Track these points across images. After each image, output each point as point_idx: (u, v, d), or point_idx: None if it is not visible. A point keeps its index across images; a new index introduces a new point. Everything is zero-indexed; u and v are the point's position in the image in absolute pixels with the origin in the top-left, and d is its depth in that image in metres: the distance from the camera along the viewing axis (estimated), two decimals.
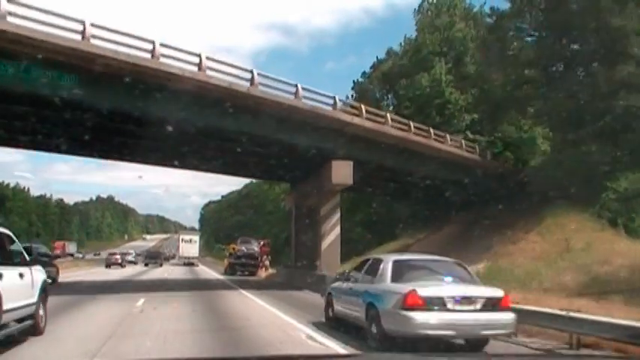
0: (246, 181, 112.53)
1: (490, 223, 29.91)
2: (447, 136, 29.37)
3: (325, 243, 23.67)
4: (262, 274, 37.41)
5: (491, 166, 32.33)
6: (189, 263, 54.44)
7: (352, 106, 23.60)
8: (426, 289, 7.67)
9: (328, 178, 22.62)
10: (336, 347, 8.31)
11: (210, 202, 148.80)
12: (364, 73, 52.07)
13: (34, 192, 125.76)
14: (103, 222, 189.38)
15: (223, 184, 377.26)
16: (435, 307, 7.52)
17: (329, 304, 10.67)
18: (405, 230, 40.75)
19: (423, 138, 26.76)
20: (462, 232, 32.27)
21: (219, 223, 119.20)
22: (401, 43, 49.47)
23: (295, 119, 20.60)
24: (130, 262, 51.52)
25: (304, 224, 28.30)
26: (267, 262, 38.71)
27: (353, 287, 9.40)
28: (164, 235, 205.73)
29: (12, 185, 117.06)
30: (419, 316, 7.41)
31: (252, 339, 9.32)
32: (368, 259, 9.80)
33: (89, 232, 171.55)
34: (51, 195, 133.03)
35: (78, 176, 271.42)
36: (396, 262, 8.60)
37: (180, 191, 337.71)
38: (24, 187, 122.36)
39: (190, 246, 57.40)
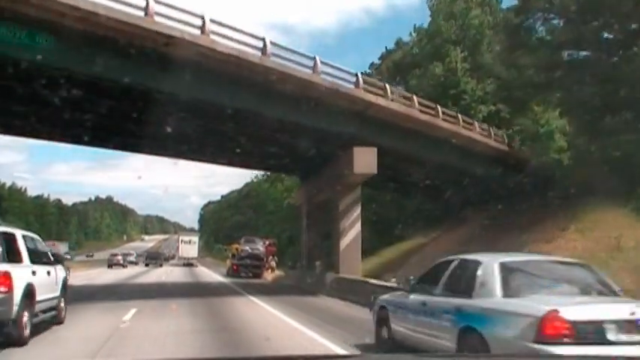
0: (246, 179, 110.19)
1: (514, 221, 27.23)
2: (476, 123, 26.50)
3: (344, 242, 20.78)
4: (268, 276, 34.52)
5: (519, 158, 29.44)
6: (188, 264, 54.14)
7: (375, 85, 20.65)
8: (575, 310, 4.78)
9: (349, 168, 19.73)
10: None
11: (209, 203, 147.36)
12: (372, 64, 49.29)
13: (34, 193, 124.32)
14: (102, 222, 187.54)
15: (223, 184, 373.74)
16: (591, 338, 4.64)
17: (383, 323, 7.78)
18: (416, 229, 37.94)
19: (452, 124, 23.88)
20: (481, 231, 29.45)
21: (218, 224, 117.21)
22: (411, 33, 46.67)
23: (312, 97, 17.67)
24: (131, 262, 51.97)
25: (317, 221, 25.40)
26: (273, 264, 35.81)
27: (429, 302, 6.49)
28: (163, 236, 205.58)
29: (8, 185, 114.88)
30: (567, 352, 4.50)
31: None
32: (449, 261, 6.89)
33: (87, 232, 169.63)
34: (48, 195, 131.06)
35: (77, 177, 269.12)
36: (504, 266, 5.66)
37: (180, 192, 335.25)
38: (21, 187, 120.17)
39: (190, 247, 57.71)
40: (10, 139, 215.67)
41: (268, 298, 18.20)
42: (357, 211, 20.95)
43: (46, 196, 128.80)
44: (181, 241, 60.07)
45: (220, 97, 16.24)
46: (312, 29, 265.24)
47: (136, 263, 53.20)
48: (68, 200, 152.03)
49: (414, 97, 22.16)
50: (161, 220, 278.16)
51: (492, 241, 26.82)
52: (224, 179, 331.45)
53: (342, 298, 18.11)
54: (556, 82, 27.62)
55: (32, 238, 9.43)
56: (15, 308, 7.58)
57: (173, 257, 70.04)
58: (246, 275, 33.95)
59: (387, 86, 20.53)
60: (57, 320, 9.93)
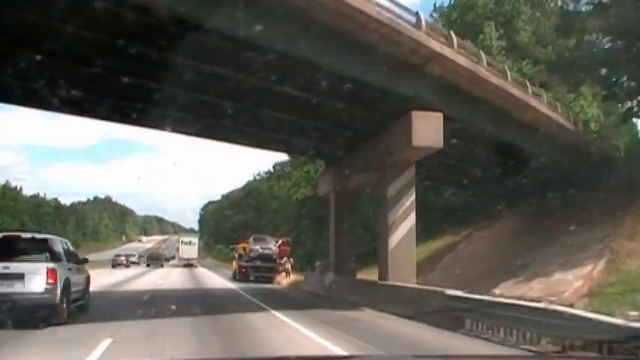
0: (249, 178, 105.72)
1: (571, 214, 22.54)
2: (544, 94, 21.56)
3: (393, 239, 15.81)
4: (283, 280, 29.56)
5: (582, 140, 24.57)
6: (188, 264, 54.26)
7: (437, 31, 15.58)
8: None
9: (404, 139, 14.81)
10: None
11: (209, 203, 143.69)
12: None
13: (33, 193, 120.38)
14: (100, 223, 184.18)
15: (223, 185, 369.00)
16: None
17: None
18: (447, 225, 33.05)
19: (523, 92, 18.97)
20: (528, 226, 24.63)
21: (219, 224, 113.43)
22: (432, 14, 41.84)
23: (355, 38, 12.67)
24: (134, 262, 53.72)
25: (350, 213, 20.49)
26: (288, 266, 30.78)
27: None
28: (162, 237, 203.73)
29: (2, 184, 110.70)
30: None
31: None
32: None
33: (85, 232, 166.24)
34: (44, 194, 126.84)
35: (76, 178, 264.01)
36: None
37: (179, 192, 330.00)
38: (16, 186, 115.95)
39: (190, 248, 58.10)
40: (9, 139, 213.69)
41: (300, 314, 13.35)
42: (411, 197, 15.96)
43: (42, 195, 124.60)
44: (182, 242, 60.23)
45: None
46: None
47: (138, 263, 54.37)
48: (67, 200, 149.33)
49: (482, 53, 17.22)
50: (160, 221, 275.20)
51: (549, 239, 22.15)
52: (224, 180, 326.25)
53: (394, 312, 13.29)
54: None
55: (66, 242, 11.72)
56: (58, 296, 9.72)
57: (173, 257, 70.53)
58: (257, 279, 29.03)
59: (453, 35, 15.50)
60: (84, 309, 11.93)
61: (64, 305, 10.03)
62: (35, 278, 9.45)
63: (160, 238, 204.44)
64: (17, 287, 9.33)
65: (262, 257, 29.69)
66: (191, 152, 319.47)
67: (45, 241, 10.30)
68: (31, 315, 9.24)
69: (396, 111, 15.30)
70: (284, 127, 17.77)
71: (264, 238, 32.01)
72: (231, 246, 40.97)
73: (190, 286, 26.36)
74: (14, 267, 9.48)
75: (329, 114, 16.25)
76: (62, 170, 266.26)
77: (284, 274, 30.40)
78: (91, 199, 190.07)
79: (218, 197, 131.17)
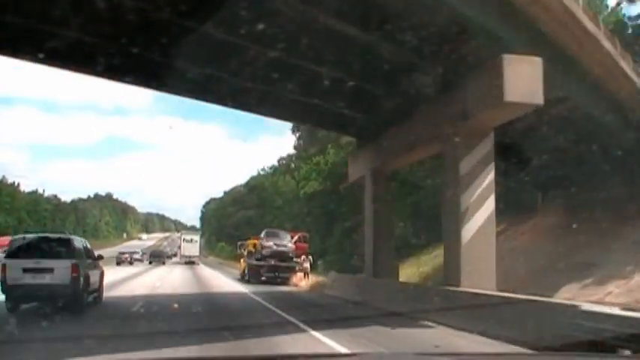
0: (252, 174, 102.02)
1: (625, 207, 19.05)
2: (630, 57, 17.45)
3: (467, 231, 11.77)
4: (301, 282, 25.51)
5: None
6: (190, 262, 55.00)
7: None
8: None
9: (489, 95, 10.81)
10: None
11: (211, 200, 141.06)
12: None
13: (32, 190, 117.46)
14: (101, 220, 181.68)
15: (225, 183, 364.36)
16: None
17: None
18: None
19: (612, 47, 14.90)
20: (571, 220, 20.76)
21: (221, 221, 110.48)
22: None
23: None
24: (137, 260, 55.07)
25: (390, 202, 16.44)
26: (306, 265, 26.75)
27: None
28: (164, 234, 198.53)
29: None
30: None
31: None
32: None
33: (86, 230, 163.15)
34: (43, 190, 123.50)
35: (77, 175, 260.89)
36: None
37: (181, 189, 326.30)
38: (13, 182, 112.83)
39: (191, 245, 58.96)
40: (10, 138, 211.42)
41: (349, 336, 9.34)
42: (490, 175, 11.89)
43: (40, 191, 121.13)
44: (183, 239, 60.94)
45: None
46: None
47: (141, 260, 55.86)
48: (68, 198, 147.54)
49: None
50: (162, 218, 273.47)
51: (610, 237, 18.51)
52: (226, 177, 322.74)
53: (482, 332, 9.31)
54: None
55: (84, 242, 13.80)
56: (80, 287, 11.37)
57: (175, 255, 71.30)
58: (269, 280, 25.05)
59: None
60: (99, 300, 13.76)
61: (85, 295, 11.95)
62: (62, 272, 11.15)
63: (161, 235, 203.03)
64: (47, 279, 11.06)
65: (277, 255, 25.69)
66: (192, 149, 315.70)
67: (69, 240, 12.09)
68: (57, 302, 11.15)
69: (476, 59, 11.28)
70: (317, 87, 13.69)
71: (278, 234, 28.02)
72: (239, 242, 36.92)
73: (193, 289, 22.21)
74: (44, 262, 11.20)
75: (373, 67, 12.26)
76: (62, 168, 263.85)
77: (301, 274, 26.37)
78: (92, 196, 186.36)
79: (220, 194, 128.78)
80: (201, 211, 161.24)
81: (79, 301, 11.42)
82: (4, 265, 11.01)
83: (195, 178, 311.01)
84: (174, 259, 64.70)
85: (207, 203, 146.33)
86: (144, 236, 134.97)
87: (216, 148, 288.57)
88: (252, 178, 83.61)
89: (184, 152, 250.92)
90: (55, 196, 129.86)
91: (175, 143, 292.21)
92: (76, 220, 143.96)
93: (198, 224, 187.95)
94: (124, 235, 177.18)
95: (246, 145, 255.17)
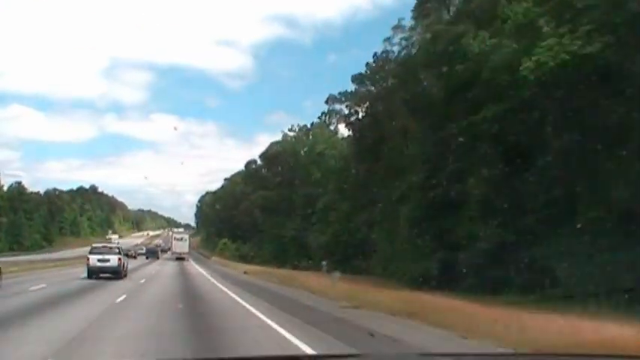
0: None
1: None
2: None
3: None
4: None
5: None
6: (180, 258, 62.41)
7: None
8: None
9: None
10: None
11: (207, 193, 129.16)
12: None
13: (30, 190, 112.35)
14: (82, 215, 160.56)
15: (220, 181, 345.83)
16: None
17: None
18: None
19: None
20: None
21: (224, 213, 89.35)
22: None
23: None
24: (131, 256, 56.90)
25: None
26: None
27: None
28: (154, 232, 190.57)
29: None
30: None
31: None
32: None
33: (63, 226, 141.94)
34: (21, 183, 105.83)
35: (72, 174, 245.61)
36: None
37: (176, 189, 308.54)
38: None
39: (182, 243, 68.29)
40: (2, 136, 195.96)
41: None
42: None
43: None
44: (174, 238, 72.43)
45: None
46: (316, 21, 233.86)
47: (134, 257, 59.17)
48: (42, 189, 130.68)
49: None
50: (155, 216, 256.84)
51: None
52: (222, 176, 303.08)
53: None
54: None
55: (121, 246, 30.68)
56: (123, 268, 26.75)
57: (169, 249, 76.52)
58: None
59: None
60: (124, 276, 26.76)
61: (124, 271, 26.89)
62: (114, 260, 25.70)
63: (152, 233, 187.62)
64: (108, 264, 25.55)
65: None
66: (188, 147, 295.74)
67: (117, 247, 28.54)
68: (114, 274, 25.40)
69: None
70: None
71: None
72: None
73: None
74: (107, 257, 25.82)
75: None
76: (57, 167, 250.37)
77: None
78: (74, 189, 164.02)
79: (216, 187, 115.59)
80: (197, 206, 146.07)
81: (122, 274, 26.04)
82: (88, 258, 26.29)
83: (189, 175, 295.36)
84: (166, 255, 72.77)
85: (203, 197, 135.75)
86: (114, 237, 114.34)
87: (215, 147, 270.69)
88: (272, 145, 63.13)
89: (181, 150, 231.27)
90: (20, 183, 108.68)
91: (172, 141, 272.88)
92: (50, 215, 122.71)
93: (193, 222, 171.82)
94: (109, 232, 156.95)
95: (247, 145, 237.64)
